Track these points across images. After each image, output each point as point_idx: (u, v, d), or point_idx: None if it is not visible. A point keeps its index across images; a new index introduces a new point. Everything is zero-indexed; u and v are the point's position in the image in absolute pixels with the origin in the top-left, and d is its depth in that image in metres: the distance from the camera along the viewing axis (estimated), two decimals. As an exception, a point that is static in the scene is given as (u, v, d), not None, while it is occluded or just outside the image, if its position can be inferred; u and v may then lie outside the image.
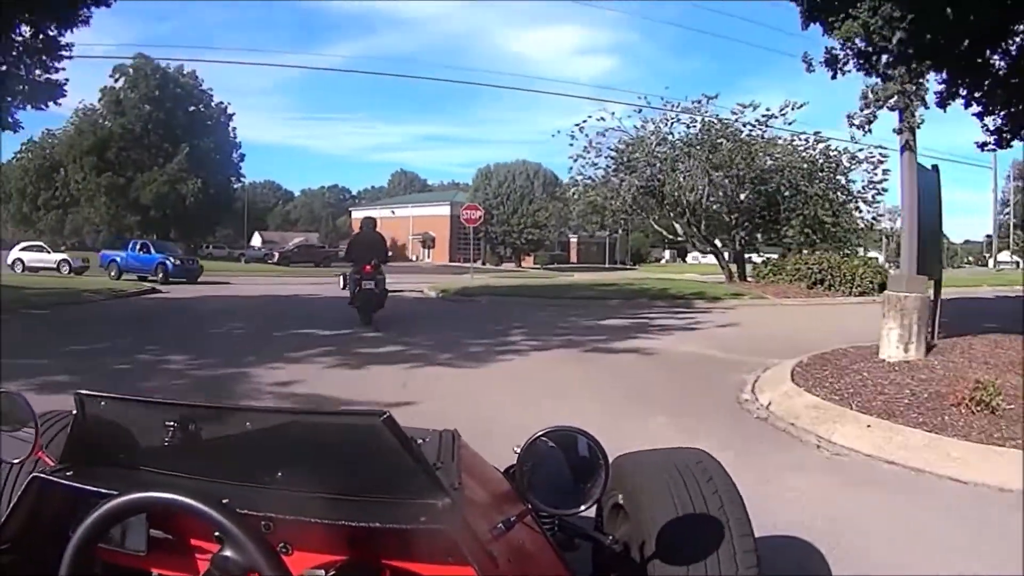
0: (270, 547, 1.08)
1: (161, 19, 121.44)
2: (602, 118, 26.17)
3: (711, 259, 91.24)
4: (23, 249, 36.65)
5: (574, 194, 28.06)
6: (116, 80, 56.94)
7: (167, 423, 1.32)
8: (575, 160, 26.93)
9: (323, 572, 1.22)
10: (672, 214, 27.74)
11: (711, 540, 1.78)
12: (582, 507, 1.56)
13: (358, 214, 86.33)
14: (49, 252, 35.88)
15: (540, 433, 1.59)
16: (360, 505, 1.25)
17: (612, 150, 26.52)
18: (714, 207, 27.44)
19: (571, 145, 26.61)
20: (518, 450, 1.58)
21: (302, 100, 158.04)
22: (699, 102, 26.51)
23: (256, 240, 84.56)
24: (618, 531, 1.99)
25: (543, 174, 66.55)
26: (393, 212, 75.29)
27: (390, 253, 14.05)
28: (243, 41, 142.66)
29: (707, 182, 24.89)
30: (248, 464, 1.32)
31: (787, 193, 26.76)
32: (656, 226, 29.78)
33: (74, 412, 1.36)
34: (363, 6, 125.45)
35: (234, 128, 62.13)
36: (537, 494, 1.54)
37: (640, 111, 26.93)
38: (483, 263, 64.92)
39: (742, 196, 27.05)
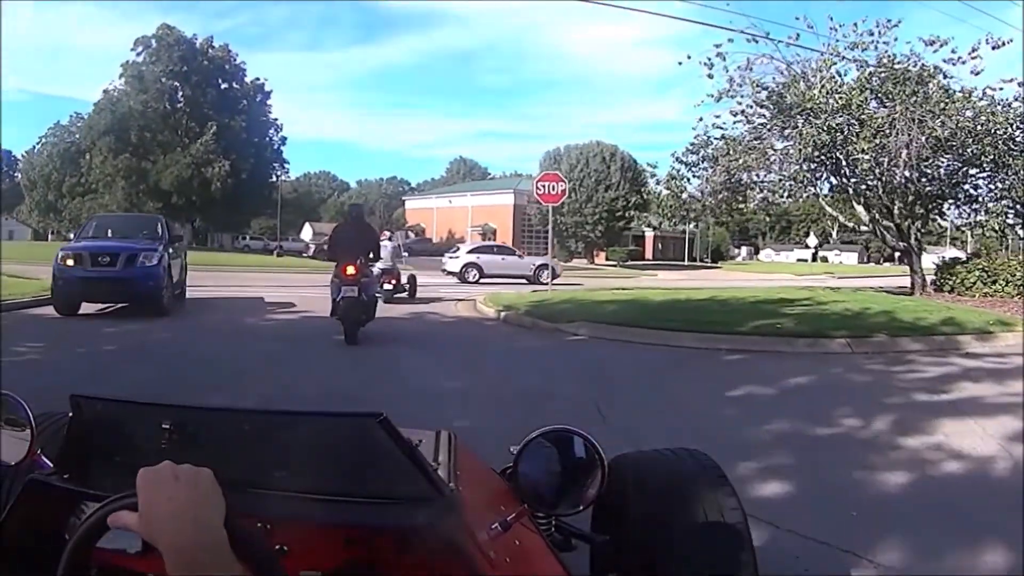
0: (269, 548, 1.08)
1: (222, 16, 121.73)
2: (753, 38, 17.25)
3: (788, 256, 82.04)
4: (475, 251, 29.56)
5: (701, 159, 19.13)
6: (139, 54, 50.51)
7: (163, 425, 1.27)
8: (717, 99, 18.03)
9: (320, 574, 1.19)
10: (855, 191, 18.76)
11: (709, 543, 1.76)
12: (579, 507, 1.62)
13: (413, 204, 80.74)
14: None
15: (537, 433, 1.62)
16: (357, 506, 1.23)
17: (764, 89, 17.69)
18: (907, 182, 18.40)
19: (709, 76, 17.79)
20: (515, 451, 1.59)
21: (363, 96, 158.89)
22: (873, 33, 17.55)
23: (307, 232, 79.02)
24: (615, 532, 1.92)
25: (620, 157, 57.64)
26: (450, 202, 68.80)
27: (386, 245, 12.75)
28: (305, 37, 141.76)
29: (923, 141, 15.88)
30: (245, 466, 1.27)
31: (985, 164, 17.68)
32: (830, 209, 20.69)
33: (70, 414, 1.32)
34: (423, 5, 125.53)
35: (270, 106, 55.05)
36: (534, 494, 1.56)
37: (797, 38, 18.03)
38: (551, 259, 56.89)
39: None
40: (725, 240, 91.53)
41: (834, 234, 65.71)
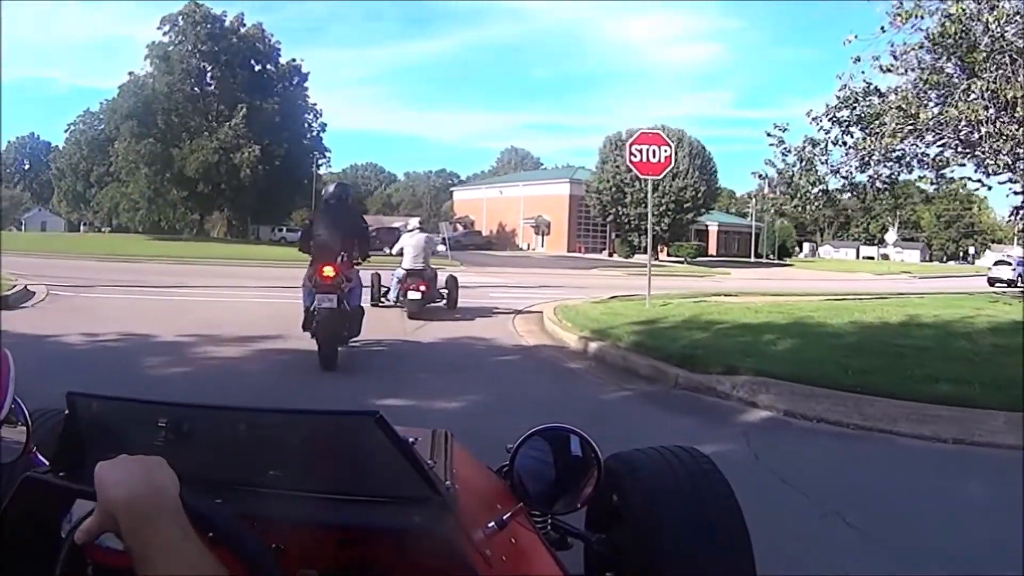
0: (265, 548, 1.07)
1: (269, 11, 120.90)
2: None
3: (847, 253, 76.53)
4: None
5: (856, 118, 13.65)
6: (165, 33, 46.71)
7: (159, 423, 1.25)
8: (904, 20, 12.45)
9: (317, 573, 1.17)
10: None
11: (705, 540, 1.73)
12: (575, 506, 1.58)
13: (461, 195, 76.00)
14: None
15: (533, 432, 1.60)
16: (353, 505, 1.21)
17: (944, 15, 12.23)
18: None
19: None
20: (511, 449, 1.56)
21: (412, 89, 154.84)
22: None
23: (349, 225, 75.06)
24: (611, 531, 1.89)
25: (689, 143, 51.78)
26: (501, 192, 64.12)
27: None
28: (351, 32, 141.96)
29: None
30: (240, 465, 1.26)
31: None
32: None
33: (66, 412, 1.29)
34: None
35: (307, 88, 50.85)
36: (530, 493, 1.54)
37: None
38: (610, 254, 51.75)
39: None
40: (791, 235, 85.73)
41: (893, 230, 59.91)
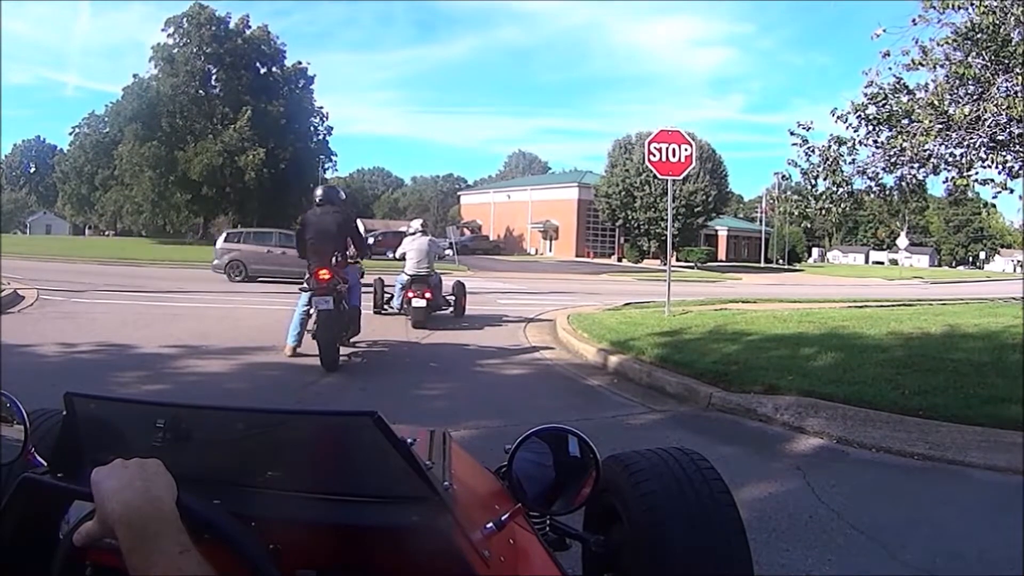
0: (263, 548, 1.07)
1: (280, 15, 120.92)
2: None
3: (856, 258, 75.53)
4: None
5: (886, 116, 12.99)
6: (169, 35, 46.31)
7: (157, 424, 1.24)
8: (927, 12, 11.76)
9: (315, 573, 1.16)
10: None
11: (704, 542, 1.69)
12: (573, 507, 1.58)
13: (468, 199, 75.42)
14: None
15: (531, 432, 1.59)
16: (351, 505, 1.20)
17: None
18: None
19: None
20: (509, 450, 1.55)
21: (420, 93, 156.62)
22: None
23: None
24: (609, 531, 1.88)
25: (699, 146, 50.94)
26: (509, 196, 63.55)
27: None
28: (361, 36, 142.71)
29: None
30: (238, 465, 1.26)
31: None
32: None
33: (64, 413, 1.29)
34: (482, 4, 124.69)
35: (313, 90, 50.38)
36: (529, 494, 1.53)
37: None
38: (619, 259, 51.07)
39: None
40: (801, 240, 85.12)
41: (904, 235, 59.37)
